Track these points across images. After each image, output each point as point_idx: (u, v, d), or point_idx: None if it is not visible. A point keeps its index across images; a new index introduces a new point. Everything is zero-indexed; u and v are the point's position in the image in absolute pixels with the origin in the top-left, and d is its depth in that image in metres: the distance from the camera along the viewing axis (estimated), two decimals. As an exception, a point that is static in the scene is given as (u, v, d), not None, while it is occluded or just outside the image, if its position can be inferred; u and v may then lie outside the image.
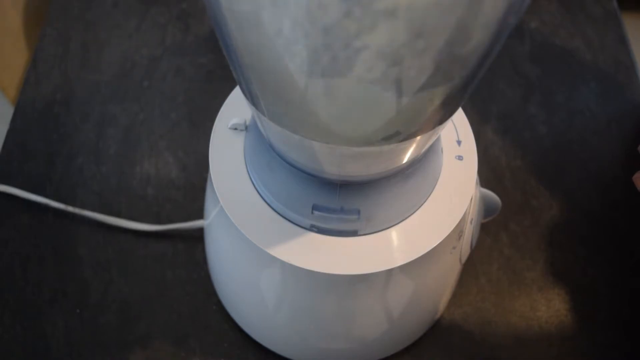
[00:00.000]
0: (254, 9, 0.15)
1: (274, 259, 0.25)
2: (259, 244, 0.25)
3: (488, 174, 0.43)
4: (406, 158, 0.23)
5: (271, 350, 0.34)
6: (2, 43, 0.52)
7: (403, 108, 0.17)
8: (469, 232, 0.30)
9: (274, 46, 0.16)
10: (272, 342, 0.34)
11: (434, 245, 0.26)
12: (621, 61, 0.50)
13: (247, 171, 0.27)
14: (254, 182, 0.27)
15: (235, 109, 0.30)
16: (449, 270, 0.31)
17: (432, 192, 0.27)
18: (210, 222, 0.32)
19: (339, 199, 0.25)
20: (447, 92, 0.17)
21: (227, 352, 0.36)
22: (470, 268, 0.39)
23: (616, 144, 0.45)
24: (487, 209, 0.34)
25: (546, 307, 0.37)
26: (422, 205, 0.26)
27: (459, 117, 0.30)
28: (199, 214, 0.40)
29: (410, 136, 0.20)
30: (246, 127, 0.29)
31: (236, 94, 0.30)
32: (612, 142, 0.45)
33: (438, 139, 0.28)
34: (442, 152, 0.28)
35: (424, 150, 0.24)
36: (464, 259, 0.32)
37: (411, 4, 0.13)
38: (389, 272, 0.25)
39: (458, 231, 0.27)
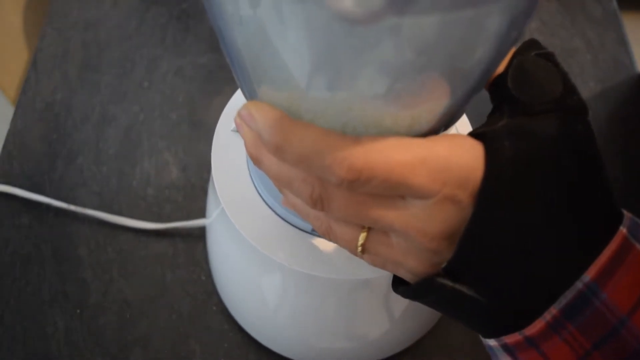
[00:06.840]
0: (261, 26, 0.15)
1: (276, 263, 0.25)
2: (261, 247, 0.25)
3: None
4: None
5: (271, 350, 0.35)
6: (2, 43, 0.52)
7: (405, 122, 0.17)
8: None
9: (277, 60, 0.16)
10: (273, 342, 0.34)
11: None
12: (621, 61, 0.50)
13: (250, 174, 0.27)
14: (256, 186, 0.27)
15: (236, 111, 0.30)
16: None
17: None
18: (212, 224, 0.32)
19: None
20: (449, 105, 0.17)
21: (227, 352, 0.36)
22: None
23: (616, 144, 0.45)
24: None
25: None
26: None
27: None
28: (199, 214, 0.40)
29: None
30: (247, 129, 0.29)
31: (238, 96, 0.30)
32: (612, 142, 0.45)
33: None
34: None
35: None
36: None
37: (415, 21, 0.13)
38: (391, 276, 0.25)
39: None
